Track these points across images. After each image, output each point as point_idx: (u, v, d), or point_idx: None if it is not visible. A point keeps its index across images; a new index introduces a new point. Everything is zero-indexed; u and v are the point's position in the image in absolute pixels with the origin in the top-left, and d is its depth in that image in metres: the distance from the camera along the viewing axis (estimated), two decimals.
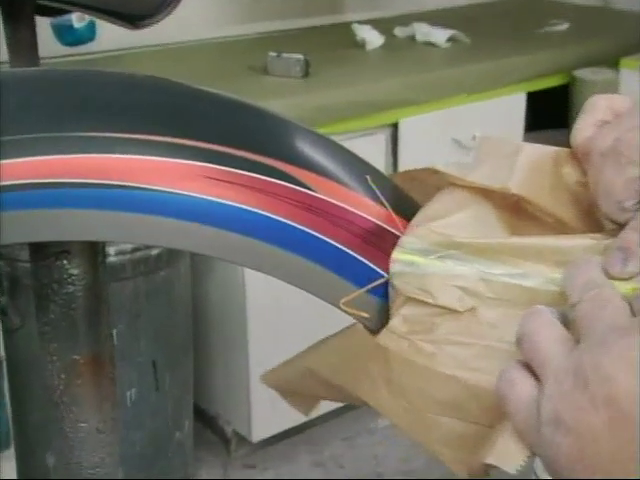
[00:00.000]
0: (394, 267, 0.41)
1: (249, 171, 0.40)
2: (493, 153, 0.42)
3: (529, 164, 0.40)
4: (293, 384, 0.47)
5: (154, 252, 1.42)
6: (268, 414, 1.65)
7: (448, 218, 0.41)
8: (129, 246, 1.37)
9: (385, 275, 0.42)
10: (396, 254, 0.41)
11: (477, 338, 0.38)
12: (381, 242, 0.42)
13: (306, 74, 1.63)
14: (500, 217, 0.41)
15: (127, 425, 1.37)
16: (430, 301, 0.39)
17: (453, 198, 0.42)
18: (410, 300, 0.40)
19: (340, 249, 0.41)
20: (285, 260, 0.40)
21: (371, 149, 1.61)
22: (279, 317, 1.61)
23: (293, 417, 1.69)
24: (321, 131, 0.45)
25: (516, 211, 0.41)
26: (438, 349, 0.38)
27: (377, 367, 0.40)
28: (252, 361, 1.60)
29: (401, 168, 1.68)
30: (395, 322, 0.40)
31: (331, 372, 0.43)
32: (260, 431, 1.67)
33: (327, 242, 0.41)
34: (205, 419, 1.76)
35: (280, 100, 1.51)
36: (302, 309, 1.57)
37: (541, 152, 0.41)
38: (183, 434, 1.52)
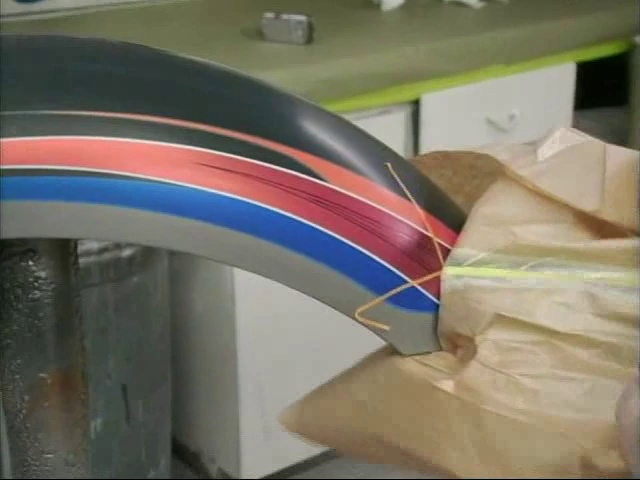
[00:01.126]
0: (453, 282, 0.42)
1: (249, 157, 0.41)
2: (572, 156, 0.43)
3: (617, 176, 0.41)
4: (329, 436, 0.47)
5: (125, 253, 1.44)
6: (260, 450, 1.66)
7: (530, 225, 0.42)
8: (95, 246, 1.39)
9: (409, 280, 0.43)
10: (452, 269, 0.43)
11: (588, 371, 0.39)
12: (404, 242, 0.43)
13: (309, 40, 1.64)
14: (585, 230, 0.42)
15: (92, 461, 1.38)
16: (527, 320, 0.40)
17: (518, 200, 0.43)
18: (497, 322, 0.41)
19: (356, 249, 0.42)
20: (291, 262, 0.41)
21: (388, 130, 1.62)
22: (275, 332, 1.62)
23: (290, 454, 1.70)
24: (330, 109, 0.47)
25: (603, 226, 0.42)
26: (542, 385, 0.39)
27: (465, 427, 0.40)
28: (242, 386, 1.61)
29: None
30: (485, 352, 0.41)
31: (397, 435, 0.44)
32: (251, 471, 1.68)
33: (341, 241, 0.42)
34: (185, 455, 1.77)
35: (278, 71, 1.53)
36: (304, 321, 1.58)
37: (628, 157, 0.42)
38: (158, 473, 1.53)
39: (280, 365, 1.60)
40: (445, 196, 0.47)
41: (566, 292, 0.40)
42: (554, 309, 0.40)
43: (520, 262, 0.42)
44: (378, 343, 0.46)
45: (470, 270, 0.42)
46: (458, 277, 0.43)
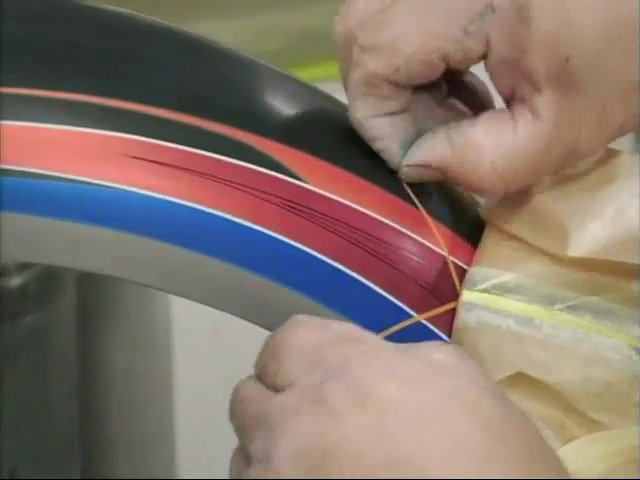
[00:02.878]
0: (463, 317, 0.44)
1: (195, 147, 0.42)
2: None
3: None
4: None
5: (14, 282, 1.43)
6: None
7: (584, 237, 0.43)
8: None
9: (413, 314, 0.44)
10: (469, 294, 0.44)
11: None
12: (409, 263, 0.45)
13: None
14: None
15: None
16: (554, 386, 0.42)
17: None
18: (518, 384, 0.43)
19: (345, 274, 0.44)
20: (258, 290, 0.43)
21: None
22: (227, 384, 1.61)
23: None
24: (309, 78, 0.48)
25: None
26: None
27: None
28: (181, 459, 1.61)
29: None
30: None
31: None
32: None
33: (324, 262, 0.43)
34: None
35: (231, 21, 1.53)
36: None
37: None
38: None
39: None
40: (466, 202, 0.48)
41: (607, 365, 0.42)
42: (590, 388, 0.42)
43: (556, 297, 0.43)
44: None
45: (487, 298, 0.44)
46: (470, 308, 0.44)
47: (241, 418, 0.41)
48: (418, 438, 0.37)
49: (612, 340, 0.43)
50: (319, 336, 0.40)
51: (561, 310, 0.43)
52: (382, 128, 0.46)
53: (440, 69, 0.45)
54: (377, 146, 0.46)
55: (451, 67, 0.45)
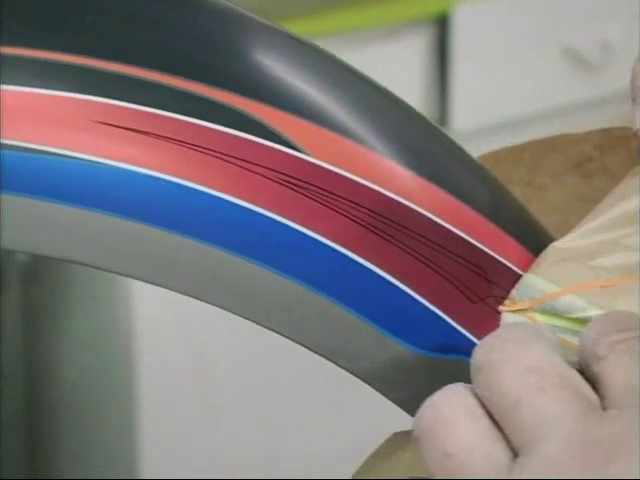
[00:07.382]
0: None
1: (176, 112, 0.43)
2: None
3: None
4: None
5: None
6: None
7: None
8: None
9: (465, 334, 0.45)
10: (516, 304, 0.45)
11: None
12: (445, 259, 0.45)
13: None
14: None
15: None
16: None
17: None
18: None
19: (363, 267, 0.44)
20: (253, 280, 0.43)
21: (398, 65, 1.63)
22: (190, 385, 1.62)
23: None
24: (308, 33, 0.48)
25: None
26: None
27: None
28: (144, 466, 1.61)
29: (457, 102, 1.69)
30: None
31: None
32: None
33: (336, 252, 0.44)
34: None
35: None
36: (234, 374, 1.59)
37: None
38: None
39: (199, 443, 1.60)
40: (514, 198, 0.49)
41: None
42: None
43: None
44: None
45: (548, 318, 0.45)
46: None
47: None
48: None
49: None
50: None
51: None
52: None
53: None
54: None
55: None
